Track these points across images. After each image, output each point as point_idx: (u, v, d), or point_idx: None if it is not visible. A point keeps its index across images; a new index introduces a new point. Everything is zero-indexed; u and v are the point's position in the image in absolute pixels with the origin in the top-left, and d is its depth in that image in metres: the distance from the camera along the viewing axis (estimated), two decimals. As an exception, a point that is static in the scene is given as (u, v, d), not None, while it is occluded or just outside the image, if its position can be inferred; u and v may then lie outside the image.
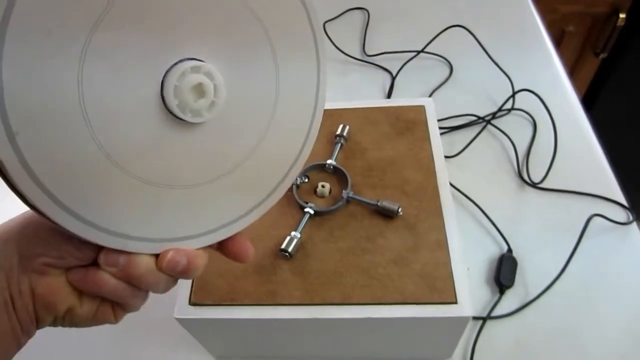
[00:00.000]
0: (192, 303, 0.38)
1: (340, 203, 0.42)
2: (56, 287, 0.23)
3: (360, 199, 0.42)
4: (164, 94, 0.22)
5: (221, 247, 0.29)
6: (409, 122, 0.49)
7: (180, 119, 0.23)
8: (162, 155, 0.23)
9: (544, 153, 0.61)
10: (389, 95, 0.70)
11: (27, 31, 0.17)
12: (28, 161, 0.19)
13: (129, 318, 0.28)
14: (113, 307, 0.26)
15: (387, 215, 0.41)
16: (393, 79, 0.72)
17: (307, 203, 0.43)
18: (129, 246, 0.23)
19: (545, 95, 0.65)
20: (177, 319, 0.38)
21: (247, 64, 0.25)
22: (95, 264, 0.24)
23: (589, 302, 0.49)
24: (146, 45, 0.21)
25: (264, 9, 0.24)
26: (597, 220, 0.54)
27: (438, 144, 0.47)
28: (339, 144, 0.47)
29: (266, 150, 0.28)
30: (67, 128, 0.20)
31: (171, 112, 0.22)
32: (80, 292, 0.24)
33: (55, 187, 0.20)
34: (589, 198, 0.57)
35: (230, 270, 0.39)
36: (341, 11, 0.85)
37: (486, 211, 0.55)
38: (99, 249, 0.23)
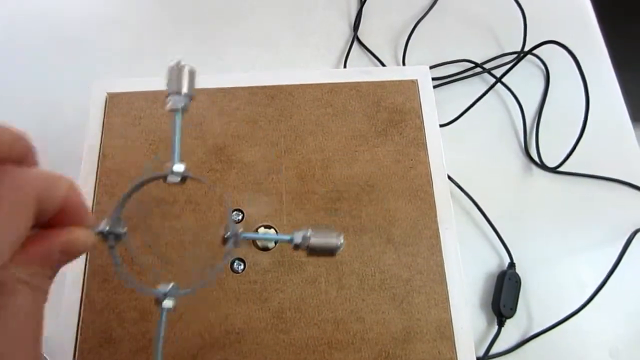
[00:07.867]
0: None
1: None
2: None
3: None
4: None
5: None
6: (396, 111, 0.32)
7: None
8: None
9: (561, 123, 0.46)
10: (355, 27, 0.51)
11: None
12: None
13: None
14: None
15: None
16: (361, 4, 0.52)
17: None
18: None
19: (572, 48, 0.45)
20: None
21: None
22: None
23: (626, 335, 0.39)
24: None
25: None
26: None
27: (438, 149, 0.31)
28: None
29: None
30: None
31: None
32: None
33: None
34: (634, 191, 0.43)
35: None
36: None
37: (481, 205, 0.42)
38: None
